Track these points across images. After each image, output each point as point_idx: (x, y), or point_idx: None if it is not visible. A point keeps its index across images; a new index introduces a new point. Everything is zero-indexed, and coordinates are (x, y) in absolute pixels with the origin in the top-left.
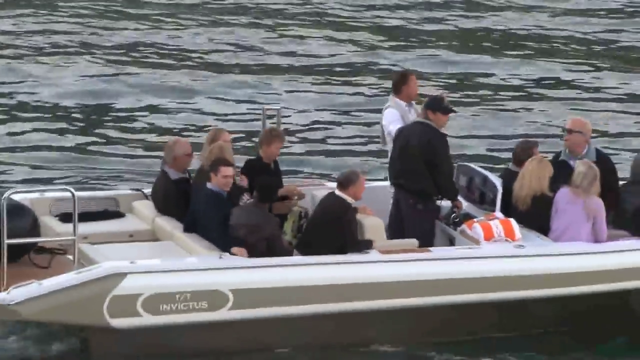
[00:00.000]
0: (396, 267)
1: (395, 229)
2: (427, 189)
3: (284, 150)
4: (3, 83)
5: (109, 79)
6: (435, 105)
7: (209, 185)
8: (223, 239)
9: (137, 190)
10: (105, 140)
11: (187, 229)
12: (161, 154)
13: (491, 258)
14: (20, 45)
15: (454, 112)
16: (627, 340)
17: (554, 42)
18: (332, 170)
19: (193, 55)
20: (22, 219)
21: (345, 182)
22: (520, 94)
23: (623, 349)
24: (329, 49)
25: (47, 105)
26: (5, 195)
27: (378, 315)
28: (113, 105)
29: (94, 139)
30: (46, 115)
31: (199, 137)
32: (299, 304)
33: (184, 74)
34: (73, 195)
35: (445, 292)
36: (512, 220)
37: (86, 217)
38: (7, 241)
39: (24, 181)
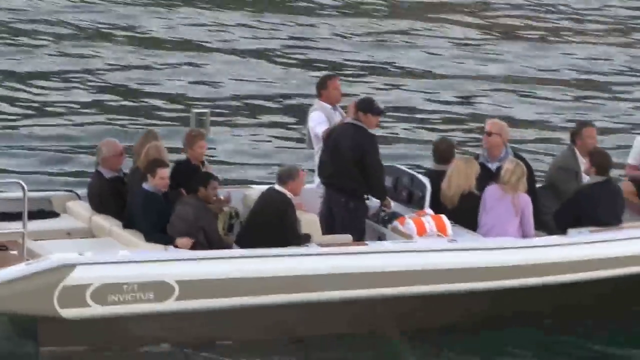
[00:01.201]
0: (337, 260)
1: (326, 227)
2: (359, 189)
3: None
4: None
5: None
6: (367, 107)
7: (145, 185)
8: (160, 237)
9: (70, 191)
10: (36, 140)
11: (126, 226)
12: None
13: (428, 252)
14: None
15: (385, 113)
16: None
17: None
18: (260, 174)
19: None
20: None
21: (286, 177)
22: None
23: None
24: None
25: None
26: None
27: (318, 307)
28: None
29: (24, 138)
30: None
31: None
32: (244, 296)
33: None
34: (23, 188)
35: (384, 284)
36: (444, 216)
37: (21, 216)
38: None
39: None
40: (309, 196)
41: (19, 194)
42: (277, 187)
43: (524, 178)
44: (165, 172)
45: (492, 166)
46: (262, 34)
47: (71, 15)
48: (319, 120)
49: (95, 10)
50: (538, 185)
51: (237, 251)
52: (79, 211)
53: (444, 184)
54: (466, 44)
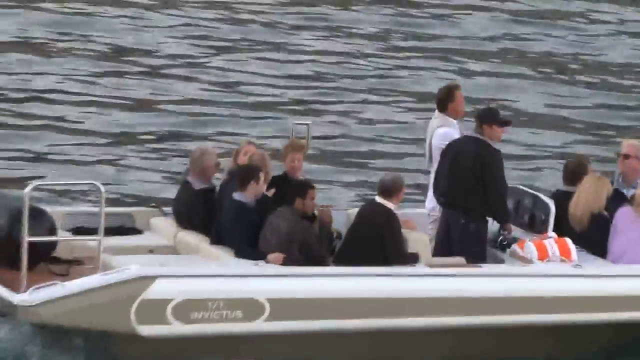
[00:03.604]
0: (446, 282)
1: (442, 250)
2: (480, 208)
3: (310, 169)
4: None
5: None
6: (491, 118)
7: (236, 195)
8: (251, 252)
9: (155, 206)
10: (120, 157)
11: (214, 242)
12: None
13: (548, 277)
14: None
15: (511, 124)
16: None
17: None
18: (362, 192)
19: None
20: (41, 223)
21: (390, 189)
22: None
23: None
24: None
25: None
26: (27, 189)
27: (424, 333)
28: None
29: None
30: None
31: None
32: (340, 318)
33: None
34: (100, 190)
35: (496, 311)
36: (568, 240)
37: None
38: (28, 239)
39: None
40: (419, 221)
41: (96, 209)
42: (379, 199)
43: None
44: (261, 178)
45: (628, 193)
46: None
47: None
48: (450, 139)
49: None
50: None
51: (334, 268)
52: (164, 227)
53: (572, 203)
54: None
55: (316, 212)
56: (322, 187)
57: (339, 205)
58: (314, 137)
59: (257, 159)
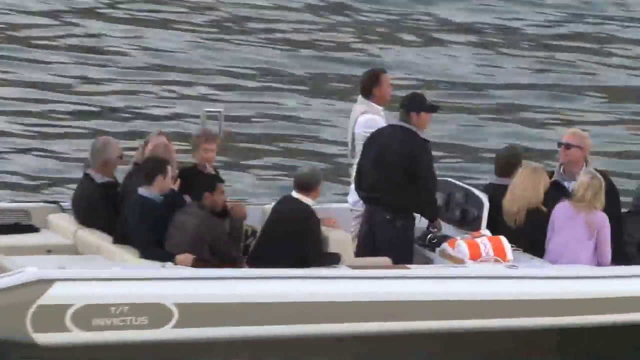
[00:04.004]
0: (371, 285)
1: (365, 250)
2: (408, 204)
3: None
4: None
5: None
6: (419, 104)
7: (141, 191)
8: (158, 252)
9: (53, 202)
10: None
11: (118, 241)
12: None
13: (481, 279)
14: None
15: (439, 109)
16: None
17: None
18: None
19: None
20: None
21: (308, 183)
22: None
23: None
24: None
25: None
26: None
27: (346, 339)
28: None
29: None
30: None
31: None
32: (254, 324)
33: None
34: None
35: (424, 316)
36: (503, 238)
37: None
38: None
39: None
40: (341, 217)
41: None
42: (295, 194)
43: (602, 192)
44: (169, 171)
45: (569, 185)
46: None
47: None
48: (375, 127)
49: None
50: (623, 210)
51: (247, 270)
52: (63, 225)
53: (507, 198)
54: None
55: (229, 207)
56: (235, 180)
57: (253, 200)
58: (227, 125)
59: (161, 151)
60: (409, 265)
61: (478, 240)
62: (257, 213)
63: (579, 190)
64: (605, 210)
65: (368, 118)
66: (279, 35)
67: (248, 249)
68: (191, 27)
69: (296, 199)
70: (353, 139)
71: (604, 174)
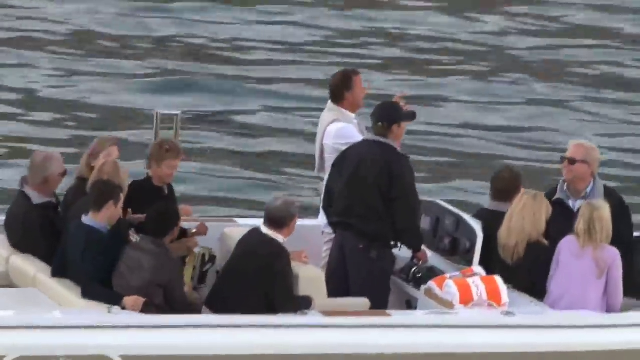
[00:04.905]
0: (345, 335)
1: (337, 284)
2: (385, 232)
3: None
4: None
5: None
6: (397, 115)
7: (86, 219)
8: (102, 293)
9: None
10: None
11: (56, 273)
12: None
13: (473, 328)
14: None
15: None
16: None
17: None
18: (245, 203)
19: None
20: None
21: (281, 218)
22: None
23: None
24: None
25: None
26: None
27: None
28: None
29: None
30: None
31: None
32: None
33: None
34: None
35: None
36: (498, 278)
37: None
38: None
39: None
40: (313, 235)
41: None
42: (265, 229)
43: (609, 224)
44: (121, 198)
45: (574, 204)
46: None
47: None
48: (348, 137)
49: None
50: (635, 234)
51: (206, 317)
52: None
53: (503, 229)
54: None
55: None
56: (193, 195)
57: (210, 218)
58: (183, 129)
59: (109, 171)
60: (389, 312)
61: (469, 280)
62: (216, 234)
63: (578, 224)
64: (614, 234)
65: (339, 127)
66: None
67: (205, 276)
68: None
69: (265, 235)
70: (322, 151)
71: (611, 192)
